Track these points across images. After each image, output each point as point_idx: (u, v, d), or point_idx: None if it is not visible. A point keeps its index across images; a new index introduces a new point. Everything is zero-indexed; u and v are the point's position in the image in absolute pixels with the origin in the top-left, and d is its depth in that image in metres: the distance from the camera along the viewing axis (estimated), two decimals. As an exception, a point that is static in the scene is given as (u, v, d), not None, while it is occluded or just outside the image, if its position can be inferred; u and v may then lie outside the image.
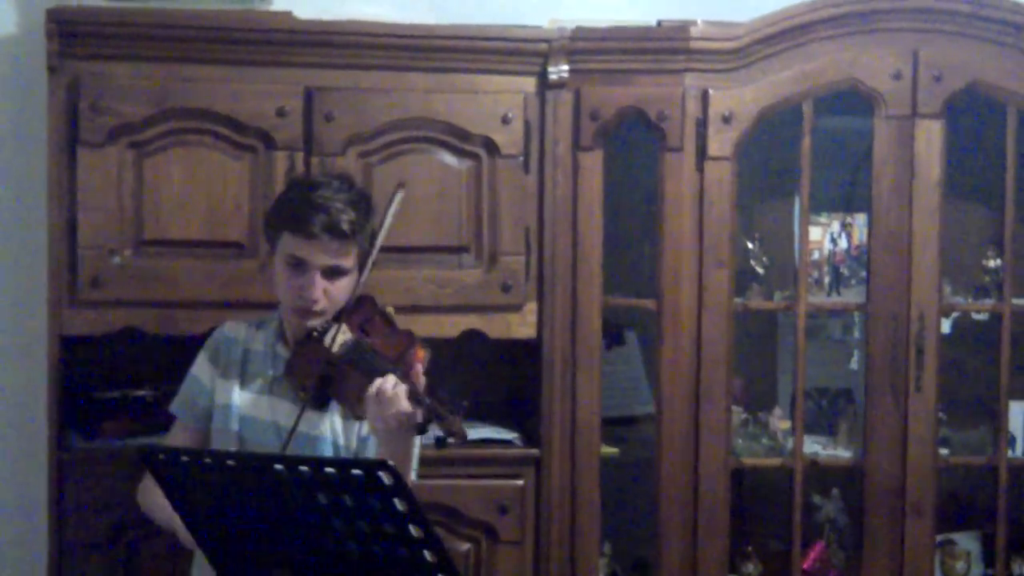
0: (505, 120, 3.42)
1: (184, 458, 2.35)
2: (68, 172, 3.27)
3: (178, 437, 2.99)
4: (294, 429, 2.74)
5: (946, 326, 3.68)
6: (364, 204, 2.86)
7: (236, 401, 2.92)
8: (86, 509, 3.26)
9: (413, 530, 2.20)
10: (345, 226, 2.77)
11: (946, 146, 3.53)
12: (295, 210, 2.80)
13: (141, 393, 3.47)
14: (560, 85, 3.45)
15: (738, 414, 3.69)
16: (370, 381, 2.64)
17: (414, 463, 2.81)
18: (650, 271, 3.57)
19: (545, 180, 3.47)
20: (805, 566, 3.63)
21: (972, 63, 3.53)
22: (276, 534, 2.30)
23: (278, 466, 2.23)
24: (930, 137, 3.52)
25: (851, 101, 3.55)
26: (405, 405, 2.58)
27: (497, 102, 3.42)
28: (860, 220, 3.66)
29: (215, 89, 3.32)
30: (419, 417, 2.57)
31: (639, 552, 3.68)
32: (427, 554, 2.22)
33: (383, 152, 3.40)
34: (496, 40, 3.43)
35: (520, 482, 3.45)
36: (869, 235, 3.57)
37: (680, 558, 3.51)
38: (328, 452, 2.85)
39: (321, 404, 2.84)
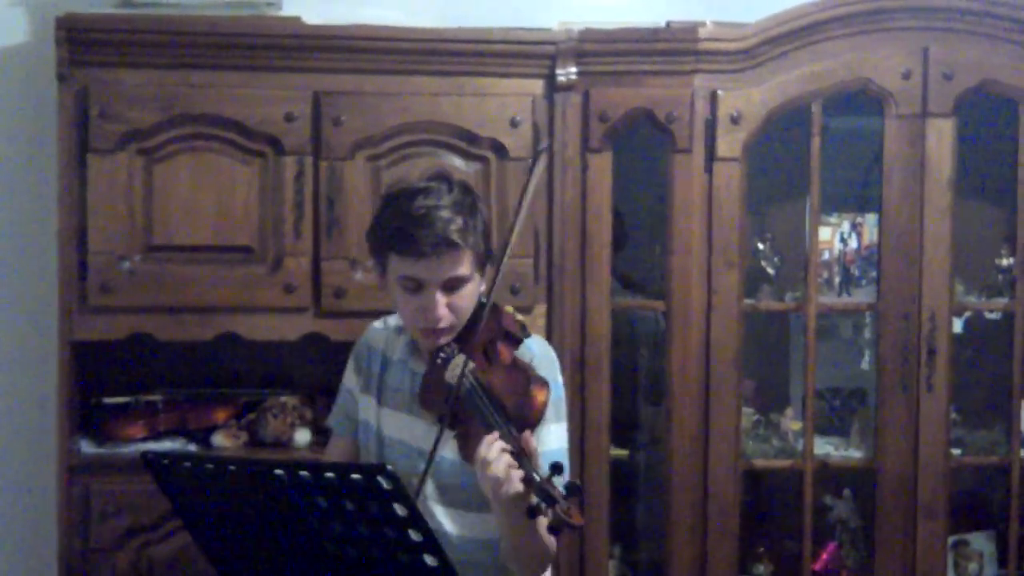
0: (513, 123, 3.42)
1: (186, 464, 2.37)
2: (78, 179, 3.30)
3: (335, 450, 2.83)
4: (433, 452, 2.49)
5: (958, 325, 3.67)
6: (469, 202, 2.58)
7: (373, 418, 2.73)
8: (96, 514, 3.28)
9: (413, 534, 2.21)
10: (455, 236, 2.50)
11: (957, 145, 3.51)
12: (398, 229, 2.52)
13: (151, 398, 3.49)
14: (568, 87, 3.45)
15: (749, 415, 3.68)
16: (487, 433, 2.38)
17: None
18: (659, 272, 3.56)
19: (554, 182, 3.47)
20: (817, 567, 3.62)
21: (983, 61, 3.51)
22: (277, 539, 2.31)
23: (279, 471, 2.24)
24: (941, 136, 3.50)
25: (861, 101, 3.54)
26: (513, 484, 2.29)
27: (505, 105, 3.43)
28: (871, 220, 3.65)
29: (224, 95, 3.34)
30: (531, 499, 2.26)
31: (649, 554, 3.68)
32: (427, 559, 2.22)
33: (391, 156, 3.41)
34: (503, 43, 3.43)
35: (529, 484, 3.45)
36: (880, 235, 3.55)
37: (690, 560, 3.50)
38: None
39: None
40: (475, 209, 2.59)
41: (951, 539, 3.65)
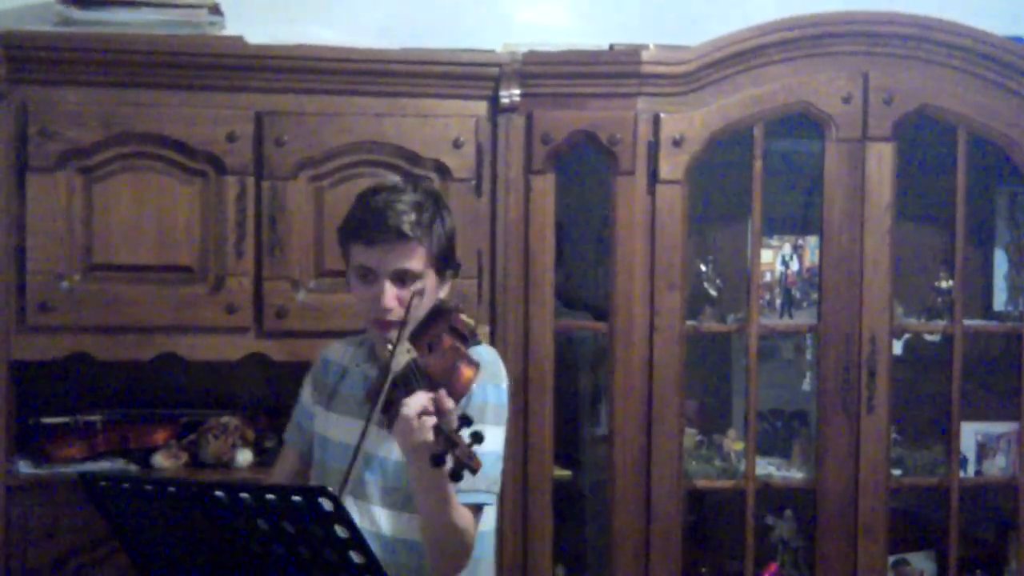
0: (457, 144, 3.42)
1: (125, 485, 2.35)
2: (17, 197, 3.27)
3: (284, 460, 2.93)
4: (358, 447, 2.53)
5: (898, 347, 3.69)
6: (431, 203, 2.70)
7: (322, 426, 2.82)
8: (34, 535, 3.24)
9: (355, 556, 2.20)
10: (407, 228, 2.63)
11: (897, 168, 3.55)
12: (357, 219, 2.70)
13: (90, 418, 3.45)
14: (512, 109, 3.45)
15: (692, 436, 3.70)
16: None
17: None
18: (602, 294, 3.57)
19: (497, 203, 3.47)
20: (758, 587, 3.64)
21: (922, 86, 3.56)
22: (217, 561, 2.29)
23: (219, 492, 2.23)
24: (881, 160, 3.54)
25: (802, 124, 3.57)
26: (424, 431, 2.39)
27: (449, 126, 3.43)
28: (812, 242, 3.68)
29: (165, 114, 3.32)
30: (436, 447, 2.36)
31: (592, 574, 3.68)
32: (368, 580, 2.22)
33: (334, 176, 3.40)
34: (447, 65, 3.43)
35: (472, 506, 3.44)
36: (821, 257, 3.58)
37: (633, 580, 3.51)
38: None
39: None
40: (436, 212, 2.71)
41: (891, 559, 3.68)
